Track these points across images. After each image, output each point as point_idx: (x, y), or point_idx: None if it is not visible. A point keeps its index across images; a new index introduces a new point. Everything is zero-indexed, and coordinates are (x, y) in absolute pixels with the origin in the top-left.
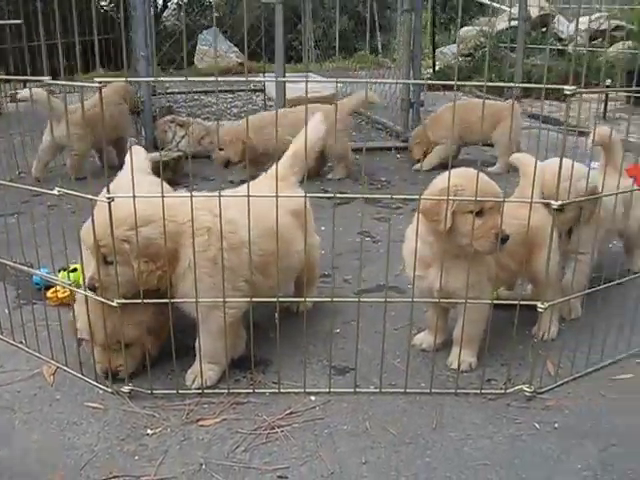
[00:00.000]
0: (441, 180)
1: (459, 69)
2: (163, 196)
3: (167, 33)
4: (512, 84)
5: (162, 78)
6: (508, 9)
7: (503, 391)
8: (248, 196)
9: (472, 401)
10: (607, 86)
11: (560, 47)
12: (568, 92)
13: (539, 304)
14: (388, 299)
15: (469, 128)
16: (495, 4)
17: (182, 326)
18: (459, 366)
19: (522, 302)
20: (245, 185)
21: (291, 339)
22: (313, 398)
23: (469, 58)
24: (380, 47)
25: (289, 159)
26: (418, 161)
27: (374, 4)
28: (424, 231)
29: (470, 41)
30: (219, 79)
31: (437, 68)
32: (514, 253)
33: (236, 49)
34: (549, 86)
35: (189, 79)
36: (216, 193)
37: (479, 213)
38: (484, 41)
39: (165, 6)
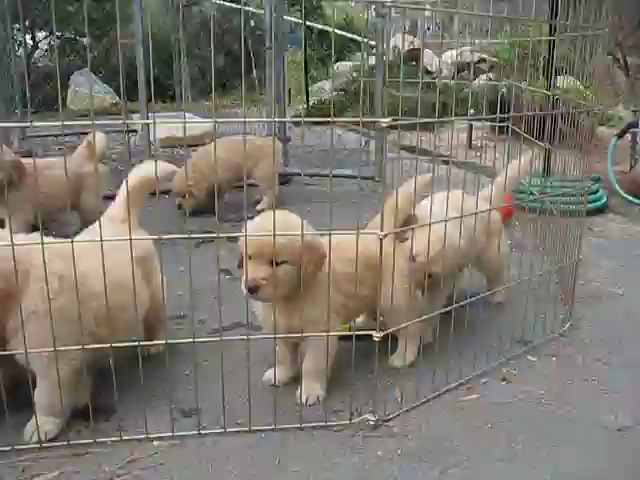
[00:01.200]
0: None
1: (334, 103)
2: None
3: (40, 74)
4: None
5: (37, 123)
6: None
7: (348, 421)
8: (101, 240)
9: (317, 434)
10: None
11: (420, 80)
12: (384, 124)
13: (374, 333)
14: (250, 336)
15: (231, 167)
16: (366, 40)
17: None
18: (306, 400)
19: (357, 333)
20: (90, 231)
21: (139, 384)
22: (156, 443)
23: (342, 93)
24: (257, 84)
25: (124, 200)
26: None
27: (249, 42)
28: None
29: (344, 76)
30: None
31: (311, 103)
32: (362, 281)
33: (110, 90)
34: (366, 119)
35: (65, 123)
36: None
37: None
38: (357, 76)
39: (36, 47)
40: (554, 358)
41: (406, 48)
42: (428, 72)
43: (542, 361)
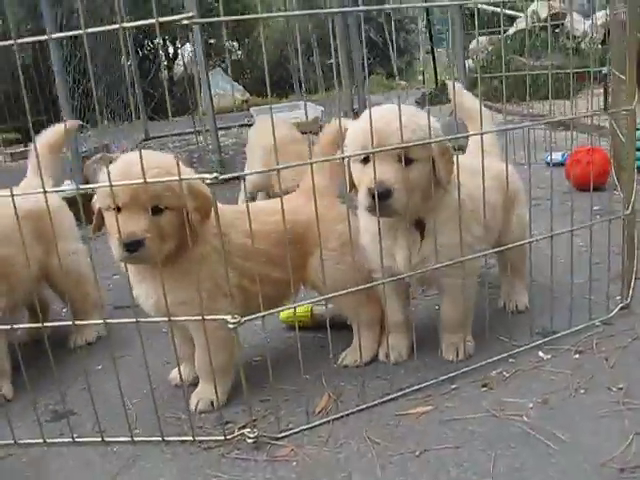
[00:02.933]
0: None
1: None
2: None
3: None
4: None
5: None
6: (522, 14)
7: (223, 437)
8: None
9: (181, 451)
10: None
11: None
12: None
13: (229, 318)
14: (140, 319)
15: None
16: (508, 11)
17: None
18: (196, 405)
19: (208, 317)
20: None
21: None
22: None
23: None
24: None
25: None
26: None
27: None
28: None
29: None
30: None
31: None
32: (275, 257)
33: (240, 87)
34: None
35: None
36: None
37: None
38: (491, 49)
39: (175, 55)
40: (577, 356)
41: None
42: (573, 37)
43: (555, 360)
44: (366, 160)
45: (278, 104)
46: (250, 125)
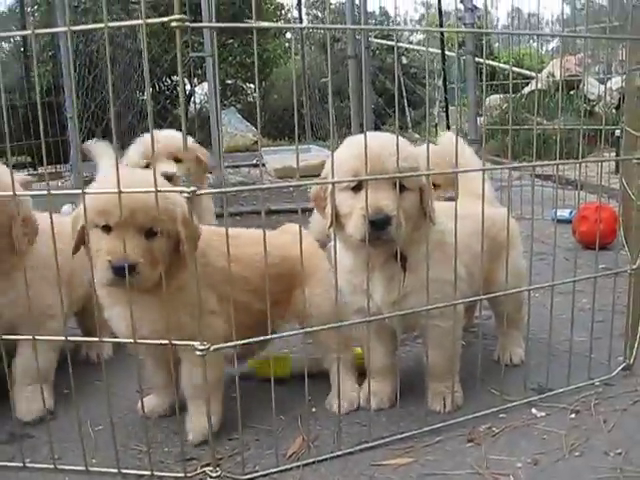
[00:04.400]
0: None
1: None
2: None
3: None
4: None
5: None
6: (538, 74)
7: (183, 474)
8: None
9: None
10: (617, 137)
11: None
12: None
13: (196, 344)
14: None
15: None
16: (522, 70)
17: None
18: (192, 439)
19: (176, 343)
20: None
21: None
22: None
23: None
24: (410, 123)
25: None
26: None
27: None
28: None
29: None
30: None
31: None
32: (255, 288)
33: (252, 128)
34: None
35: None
36: None
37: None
38: (505, 107)
39: (192, 93)
40: (573, 415)
41: (562, 75)
42: (588, 101)
43: (549, 419)
44: (358, 187)
45: (288, 146)
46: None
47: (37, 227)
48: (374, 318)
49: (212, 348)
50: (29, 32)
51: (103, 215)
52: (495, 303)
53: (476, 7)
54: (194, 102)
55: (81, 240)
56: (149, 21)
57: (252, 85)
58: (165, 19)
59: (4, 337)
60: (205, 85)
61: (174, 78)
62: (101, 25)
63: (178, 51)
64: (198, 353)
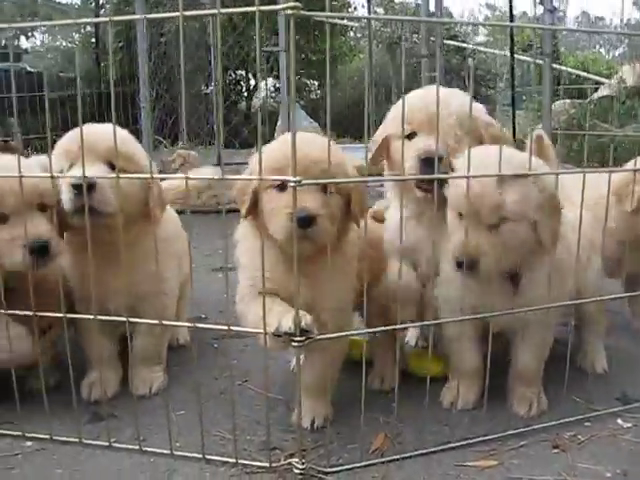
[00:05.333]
0: None
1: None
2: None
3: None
4: None
5: None
6: (608, 80)
7: (268, 464)
8: None
9: (221, 471)
10: None
11: None
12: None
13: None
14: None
15: None
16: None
17: None
18: (312, 422)
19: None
20: None
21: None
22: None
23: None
24: None
25: None
26: None
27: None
28: None
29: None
30: None
31: None
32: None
33: (316, 124)
34: None
35: None
36: None
37: None
38: (573, 113)
39: (256, 87)
40: None
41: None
42: None
43: (637, 430)
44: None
45: (350, 144)
46: None
47: (165, 200)
48: (481, 315)
49: (307, 341)
50: (106, 19)
51: (279, 173)
52: (580, 309)
53: (555, 8)
54: (256, 97)
55: (254, 203)
56: (262, 8)
57: (316, 82)
58: (278, 7)
59: (131, 320)
60: (270, 80)
61: (238, 72)
62: (177, 14)
63: (292, 39)
64: (294, 344)
